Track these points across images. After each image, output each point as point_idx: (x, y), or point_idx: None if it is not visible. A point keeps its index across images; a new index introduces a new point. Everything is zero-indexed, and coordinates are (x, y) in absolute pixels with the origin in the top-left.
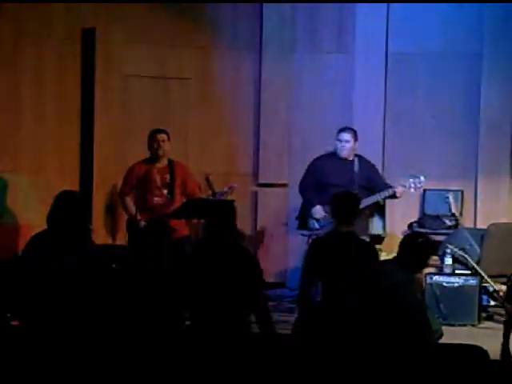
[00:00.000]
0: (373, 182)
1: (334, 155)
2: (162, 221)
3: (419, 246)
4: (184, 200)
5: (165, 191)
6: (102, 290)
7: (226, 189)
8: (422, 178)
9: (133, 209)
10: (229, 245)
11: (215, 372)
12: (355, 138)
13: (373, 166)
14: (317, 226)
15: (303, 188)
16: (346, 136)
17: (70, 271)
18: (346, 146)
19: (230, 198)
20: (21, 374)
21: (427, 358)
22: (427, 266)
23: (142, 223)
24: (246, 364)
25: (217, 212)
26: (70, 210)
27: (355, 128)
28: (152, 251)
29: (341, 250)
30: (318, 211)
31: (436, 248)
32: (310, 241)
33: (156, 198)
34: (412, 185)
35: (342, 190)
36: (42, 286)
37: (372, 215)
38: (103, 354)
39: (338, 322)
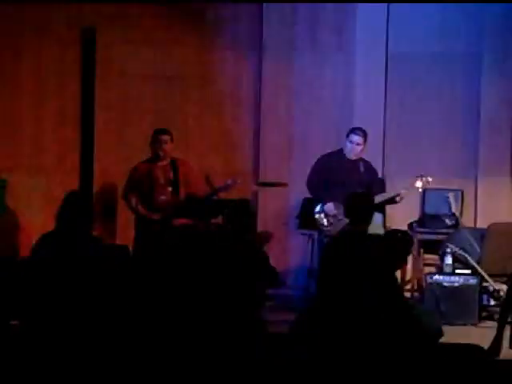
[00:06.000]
0: (374, 187)
1: (340, 153)
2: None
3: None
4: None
5: (169, 189)
6: (102, 289)
7: (229, 181)
8: (430, 179)
9: (141, 209)
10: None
11: (216, 370)
12: (365, 140)
13: (375, 171)
14: (326, 222)
15: (312, 184)
16: (358, 139)
17: (78, 269)
18: (357, 149)
19: (230, 193)
20: (21, 374)
21: (427, 357)
22: (405, 262)
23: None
24: (246, 364)
25: (231, 212)
26: (79, 210)
27: None
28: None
29: (356, 250)
30: (330, 208)
31: (411, 245)
32: (327, 240)
33: (161, 197)
34: (420, 184)
35: (357, 191)
36: (51, 286)
37: (373, 216)
38: (103, 354)
39: (344, 321)
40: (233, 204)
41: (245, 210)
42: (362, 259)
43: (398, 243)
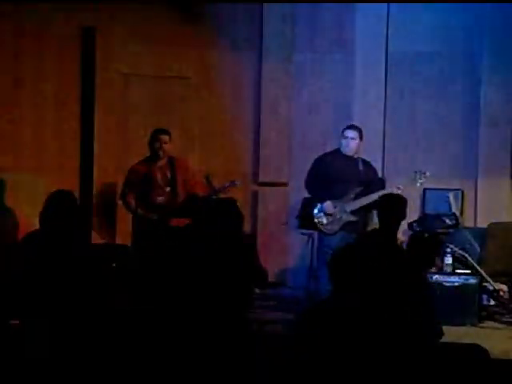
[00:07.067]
0: (372, 185)
1: (339, 152)
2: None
3: (426, 243)
4: (186, 196)
5: (167, 189)
6: (101, 288)
7: (227, 184)
8: (428, 173)
9: (140, 209)
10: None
11: (211, 371)
12: (360, 137)
13: (375, 170)
14: (325, 220)
15: (311, 183)
16: (352, 133)
17: (66, 271)
18: (351, 143)
19: (229, 194)
20: (20, 374)
21: (426, 357)
22: (434, 264)
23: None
24: (244, 363)
25: (218, 212)
26: (61, 210)
27: None
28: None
29: (386, 252)
30: (329, 206)
31: (440, 247)
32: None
33: (159, 197)
34: (418, 179)
35: (391, 194)
36: (37, 286)
37: (370, 215)
38: (101, 353)
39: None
40: (218, 204)
41: (229, 210)
42: (390, 261)
43: (425, 246)
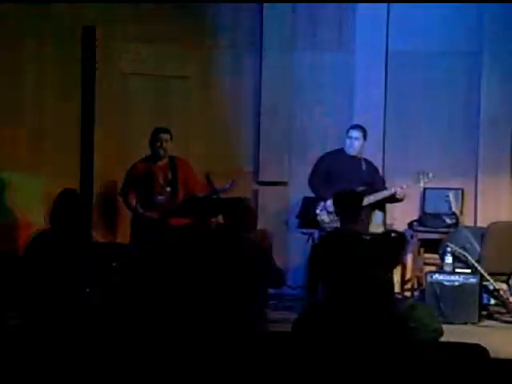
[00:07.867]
0: (375, 185)
1: (342, 152)
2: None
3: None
4: (186, 196)
5: (168, 189)
6: (103, 287)
7: (228, 184)
8: (431, 175)
9: (139, 208)
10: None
11: (214, 369)
12: (364, 137)
13: (377, 170)
14: (327, 219)
15: (314, 182)
16: (356, 133)
17: (74, 271)
18: (355, 144)
19: (230, 194)
20: (20, 374)
21: (426, 356)
22: (398, 262)
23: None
24: (246, 362)
25: (231, 211)
26: (72, 209)
27: None
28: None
29: (348, 249)
30: (331, 204)
31: (404, 246)
32: (319, 237)
33: (160, 197)
34: (422, 180)
35: (344, 190)
36: (45, 286)
37: (372, 214)
38: (103, 353)
39: (340, 321)
40: (232, 203)
41: (244, 209)
42: (348, 259)
43: (390, 244)
